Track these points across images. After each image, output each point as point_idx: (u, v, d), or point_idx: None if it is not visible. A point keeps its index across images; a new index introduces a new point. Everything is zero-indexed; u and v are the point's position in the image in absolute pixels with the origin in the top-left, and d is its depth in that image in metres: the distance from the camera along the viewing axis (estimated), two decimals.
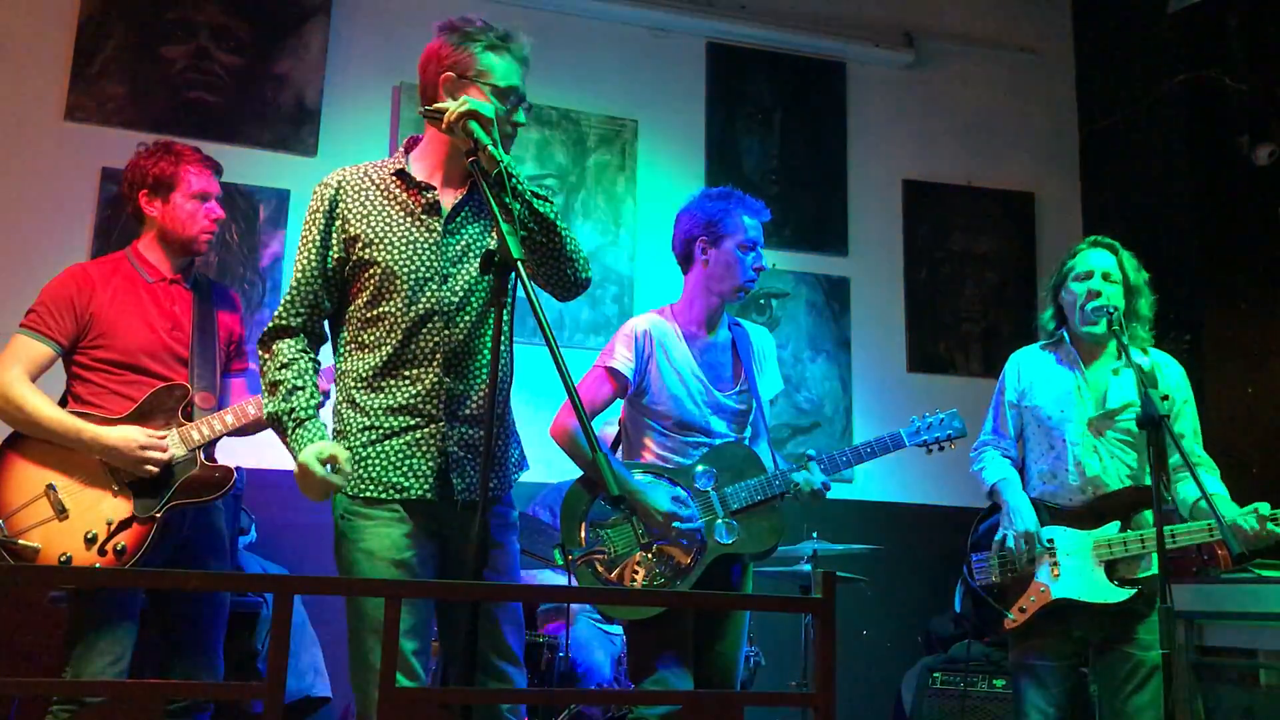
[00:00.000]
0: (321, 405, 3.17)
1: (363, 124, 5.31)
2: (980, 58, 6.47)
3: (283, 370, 2.60)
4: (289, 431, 2.55)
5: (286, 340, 2.64)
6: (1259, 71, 5.80)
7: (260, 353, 2.65)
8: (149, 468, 3.09)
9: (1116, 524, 3.35)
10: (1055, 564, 3.36)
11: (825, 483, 3.29)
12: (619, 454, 3.50)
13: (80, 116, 5.04)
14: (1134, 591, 3.27)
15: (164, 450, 3.12)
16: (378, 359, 2.59)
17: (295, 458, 2.51)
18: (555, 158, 5.70)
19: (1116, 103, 6.30)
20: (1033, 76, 6.54)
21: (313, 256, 2.63)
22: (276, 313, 2.65)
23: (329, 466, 2.48)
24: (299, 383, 2.59)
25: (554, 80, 5.73)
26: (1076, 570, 3.33)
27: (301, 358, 2.63)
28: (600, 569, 3.22)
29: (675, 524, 3.16)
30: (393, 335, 2.58)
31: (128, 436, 3.09)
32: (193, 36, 5.26)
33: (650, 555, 3.23)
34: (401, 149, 2.74)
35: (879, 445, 3.38)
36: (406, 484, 2.56)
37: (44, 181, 4.97)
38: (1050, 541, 3.38)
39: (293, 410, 2.56)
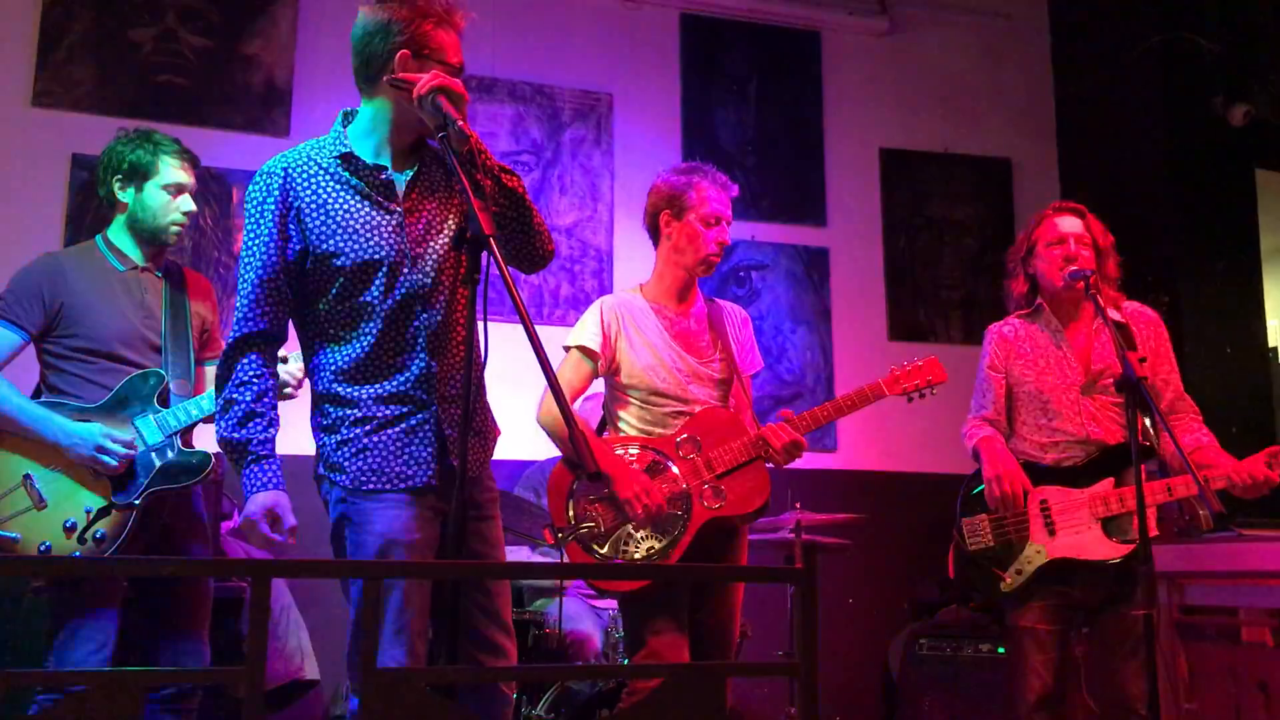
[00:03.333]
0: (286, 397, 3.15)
1: (334, 103, 5.21)
2: (955, 24, 6.46)
3: (240, 390, 2.50)
4: (240, 465, 2.49)
5: (248, 357, 2.53)
6: (1233, 32, 5.81)
7: (220, 367, 2.54)
8: (106, 460, 3.07)
9: (1110, 480, 3.35)
10: (1050, 524, 3.36)
11: (795, 439, 3.25)
12: (604, 435, 3.48)
13: (48, 102, 4.99)
14: (1132, 547, 3.27)
15: (128, 446, 3.10)
16: (359, 349, 2.53)
17: (244, 502, 2.48)
18: (530, 133, 5.67)
19: (1091, 66, 6.30)
20: (1007, 41, 6.53)
21: (271, 251, 2.52)
22: (238, 318, 2.53)
23: (269, 524, 2.48)
24: (257, 408, 2.50)
25: (527, 55, 5.70)
26: (1072, 529, 3.34)
27: (262, 376, 2.53)
28: (589, 544, 3.23)
29: (644, 506, 3.16)
30: (373, 324, 2.52)
31: (89, 431, 3.07)
32: (160, 19, 5.20)
33: (638, 527, 3.23)
34: (339, 126, 2.65)
35: (859, 398, 3.36)
36: (409, 472, 2.51)
37: (12, 169, 4.91)
38: (1043, 501, 3.38)
39: (248, 443, 2.48)
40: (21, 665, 3.59)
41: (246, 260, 2.54)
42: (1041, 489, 3.40)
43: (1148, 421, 3.37)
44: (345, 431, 2.54)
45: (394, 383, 2.54)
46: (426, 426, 2.54)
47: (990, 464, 3.39)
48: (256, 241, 2.54)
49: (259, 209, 2.55)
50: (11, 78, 4.97)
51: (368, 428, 2.52)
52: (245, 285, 2.54)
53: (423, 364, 2.54)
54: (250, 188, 2.57)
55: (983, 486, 3.46)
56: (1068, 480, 3.40)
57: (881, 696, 5.43)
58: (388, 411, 2.53)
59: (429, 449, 2.54)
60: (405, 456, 2.52)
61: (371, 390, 2.53)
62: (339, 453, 2.53)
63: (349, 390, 2.54)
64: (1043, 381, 3.48)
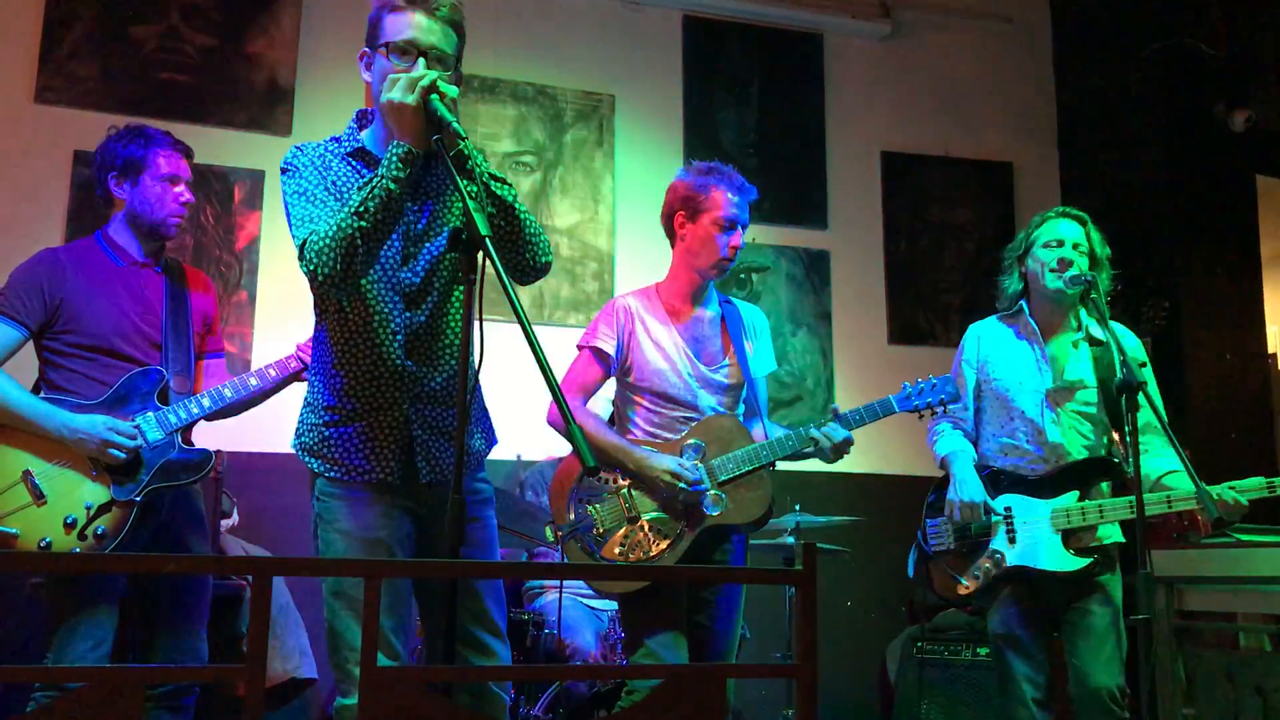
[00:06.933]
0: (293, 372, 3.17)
1: (337, 102, 5.26)
2: (957, 27, 6.46)
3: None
4: (380, 177, 2.38)
5: None
6: (1235, 38, 5.82)
7: (305, 262, 2.40)
8: (114, 451, 3.07)
9: (1075, 493, 3.36)
10: (1012, 532, 3.38)
11: (848, 437, 3.25)
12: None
13: (50, 99, 4.99)
14: (1089, 560, 3.30)
15: (132, 436, 3.10)
16: (342, 335, 2.55)
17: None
18: (532, 134, 5.67)
19: (1093, 71, 6.31)
20: (1010, 46, 6.54)
21: (330, 200, 2.48)
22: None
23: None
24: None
25: (530, 56, 5.70)
26: (1033, 538, 3.36)
27: None
28: (588, 544, 3.23)
29: (680, 485, 3.17)
30: (354, 313, 2.54)
31: (94, 423, 3.07)
32: (163, 16, 5.20)
33: (637, 529, 3.23)
34: (354, 124, 2.65)
35: (868, 412, 3.35)
36: (369, 466, 2.54)
37: (15, 165, 4.92)
38: (1007, 509, 3.40)
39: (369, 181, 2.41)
40: (20, 662, 3.60)
41: (302, 220, 2.46)
42: (1006, 497, 3.43)
43: (1116, 436, 3.40)
44: (318, 414, 2.58)
45: (365, 377, 2.55)
46: (394, 424, 2.55)
47: (956, 488, 3.43)
48: (305, 200, 2.48)
49: (299, 175, 2.51)
50: (15, 74, 4.98)
51: (335, 417, 2.56)
52: (315, 228, 2.43)
53: (398, 361, 2.54)
54: (285, 170, 2.53)
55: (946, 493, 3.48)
56: (1032, 490, 3.41)
57: (879, 699, 5.43)
58: (356, 405, 2.55)
59: (394, 446, 2.55)
60: (366, 451, 2.54)
61: (344, 381, 2.55)
62: (310, 434, 2.59)
63: (330, 374, 2.57)
64: (1010, 382, 3.49)
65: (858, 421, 3.32)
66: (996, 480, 3.45)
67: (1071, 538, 3.34)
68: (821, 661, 1.71)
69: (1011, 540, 3.38)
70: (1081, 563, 3.30)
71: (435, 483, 2.58)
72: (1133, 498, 3.21)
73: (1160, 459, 3.38)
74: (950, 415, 3.59)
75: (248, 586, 4.04)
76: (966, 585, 3.39)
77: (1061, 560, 3.32)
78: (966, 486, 3.40)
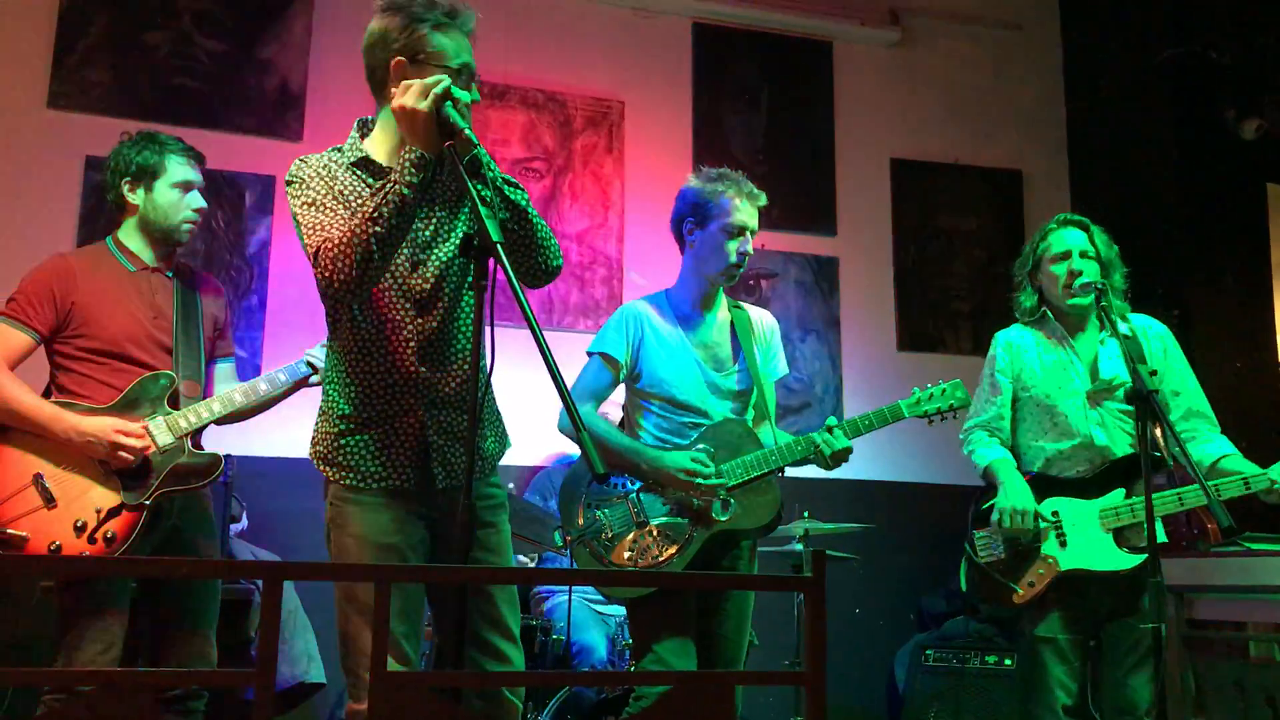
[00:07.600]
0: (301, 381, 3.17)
1: (348, 108, 5.26)
2: (966, 35, 6.46)
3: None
4: (396, 180, 2.38)
5: None
6: (1245, 46, 5.81)
7: (320, 269, 2.40)
8: (124, 455, 3.08)
9: (1121, 491, 3.35)
10: (1062, 535, 3.37)
11: (848, 446, 3.25)
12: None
13: (63, 104, 5.01)
14: (1144, 557, 3.27)
15: (141, 438, 3.11)
16: (355, 344, 2.56)
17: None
18: (542, 140, 5.68)
19: (1103, 78, 6.30)
20: (1019, 53, 6.53)
21: (339, 209, 2.50)
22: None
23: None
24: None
25: (540, 62, 5.72)
26: (1084, 540, 3.34)
27: None
28: (598, 549, 3.23)
29: (698, 480, 3.17)
30: (366, 322, 2.55)
31: (103, 426, 3.08)
32: (175, 22, 5.23)
33: (646, 534, 3.23)
34: (355, 134, 2.66)
35: (877, 417, 3.34)
36: (384, 473, 2.55)
37: (27, 170, 4.94)
38: (1055, 514, 3.39)
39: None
40: (29, 664, 3.60)
41: (314, 229, 2.46)
42: (1052, 500, 3.40)
43: (1158, 433, 3.37)
44: (332, 424, 2.59)
45: (380, 383, 2.56)
46: (408, 430, 2.56)
47: (1005, 495, 3.40)
48: (319, 210, 2.48)
49: (305, 187, 2.52)
50: (27, 80, 5.00)
51: (350, 425, 2.56)
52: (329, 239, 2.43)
53: (411, 367, 2.55)
54: (290, 183, 2.54)
55: (994, 501, 3.46)
56: (1078, 491, 3.40)
57: (887, 707, 5.42)
58: (370, 413, 2.56)
59: (408, 453, 2.56)
60: (382, 458, 2.55)
61: (357, 388, 2.56)
62: (326, 443, 2.60)
63: (344, 382, 2.58)
64: (1049, 388, 3.49)
65: (866, 427, 3.31)
66: (1039, 484, 3.44)
67: (1121, 536, 3.34)
68: (830, 669, 1.71)
69: (1063, 544, 3.36)
70: (1136, 560, 3.28)
71: (451, 488, 2.57)
72: (1180, 491, 3.24)
73: (1210, 444, 3.40)
74: (985, 424, 3.59)
75: (256, 591, 4.04)
76: (1022, 593, 3.37)
77: (1116, 559, 3.30)
78: (1017, 495, 3.38)
